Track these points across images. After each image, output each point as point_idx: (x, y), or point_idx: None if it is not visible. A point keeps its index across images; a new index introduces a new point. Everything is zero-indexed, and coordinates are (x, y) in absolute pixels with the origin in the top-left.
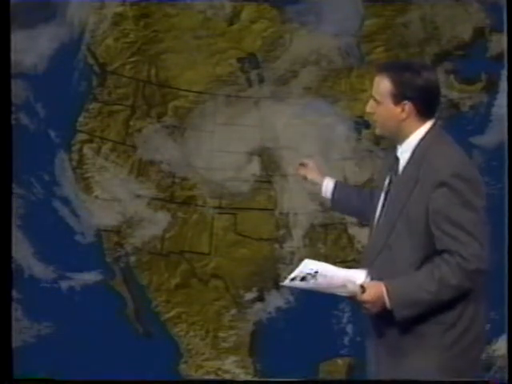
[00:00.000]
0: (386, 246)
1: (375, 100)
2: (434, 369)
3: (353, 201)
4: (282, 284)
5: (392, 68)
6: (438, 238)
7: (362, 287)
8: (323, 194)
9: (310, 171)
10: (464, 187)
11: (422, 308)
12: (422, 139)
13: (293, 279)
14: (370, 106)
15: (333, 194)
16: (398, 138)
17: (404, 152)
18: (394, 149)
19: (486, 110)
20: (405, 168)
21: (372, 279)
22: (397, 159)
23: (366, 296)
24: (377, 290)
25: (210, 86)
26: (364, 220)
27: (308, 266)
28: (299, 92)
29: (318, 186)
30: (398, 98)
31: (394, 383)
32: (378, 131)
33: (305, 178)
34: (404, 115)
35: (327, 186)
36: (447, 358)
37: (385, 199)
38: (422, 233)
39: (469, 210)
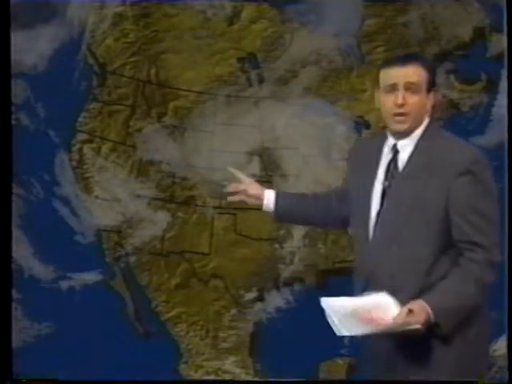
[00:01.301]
0: (394, 240)
1: (409, 90)
2: (455, 368)
3: (300, 208)
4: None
5: (420, 57)
6: (457, 227)
7: (411, 311)
8: (265, 208)
9: (250, 186)
10: (486, 174)
11: (465, 315)
12: (425, 132)
13: (341, 326)
14: (402, 97)
15: (276, 204)
16: (412, 130)
17: (406, 145)
18: (377, 142)
19: (485, 110)
20: (409, 161)
21: (382, 274)
22: (395, 153)
23: (416, 320)
24: (422, 310)
25: (210, 86)
26: (313, 225)
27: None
28: (299, 92)
29: (260, 200)
30: (430, 86)
31: (393, 383)
32: (404, 127)
33: (245, 200)
34: (431, 104)
35: (269, 198)
36: (466, 356)
37: (383, 193)
38: (438, 224)
39: (489, 197)
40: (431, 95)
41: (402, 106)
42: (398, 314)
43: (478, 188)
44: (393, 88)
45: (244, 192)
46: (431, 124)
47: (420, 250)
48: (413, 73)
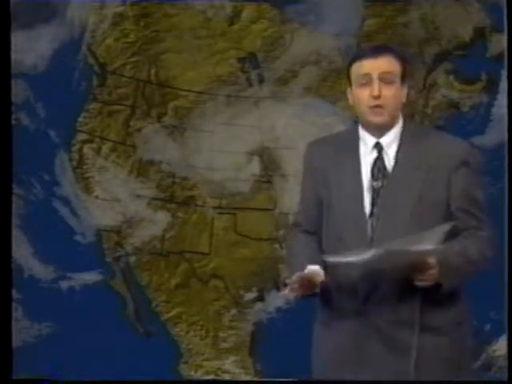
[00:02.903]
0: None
1: (384, 80)
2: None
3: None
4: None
5: (392, 49)
6: (459, 220)
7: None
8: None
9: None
10: (479, 164)
11: (464, 279)
12: (404, 127)
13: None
14: (378, 89)
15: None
16: (391, 125)
17: (390, 142)
18: (345, 142)
19: (485, 109)
20: (398, 159)
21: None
22: (380, 151)
23: (433, 259)
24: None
25: (210, 86)
26: None
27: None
28: (299, 92)
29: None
30: (403, 79)
31: (393, 383)
32: (382, 119)
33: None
34: (405, 97)
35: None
36: (465, 356)
37: (374, 194)
38: (442, 219)
39: (482, 187)
40: (405, 88)
41: (378, 97)
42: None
43: (474, 178)
44: (367, 80)
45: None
46: (407, 119)
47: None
48: (386, 63)
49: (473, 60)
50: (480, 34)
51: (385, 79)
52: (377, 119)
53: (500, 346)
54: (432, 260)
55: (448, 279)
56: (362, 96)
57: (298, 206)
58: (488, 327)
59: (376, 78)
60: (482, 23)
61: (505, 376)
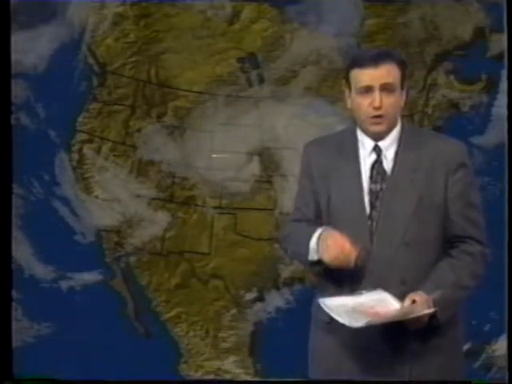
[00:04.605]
0: (402, 244)
1: (385, 90)
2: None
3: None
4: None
5: (391, 54)
6: (455, 223)
7: (414, 301)
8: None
9: None
10: (472, 165)
11: (459, 306)
12: (403, 130)
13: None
14: (379, 100)
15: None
16: (390, 130)
17: (389, 145)
18: (344, 143)
19: (485, 109)
20: (397, 161)
21: (392, 281)
22: (379, 154)
23: (420, 310)
24: (425, 300)
25: (210, 85)
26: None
27: (327, 302)
28: (299, 92)
29: None
30: (402, 83)
31: (393, 383)
32: (382, 128)
33: None
34: (404, 100)
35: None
36: (460, 357)
37: (373, 196)
38: (441, 222)
39: (477, 188)
40: (404, 92)
41: (379, 108)
42: (403, 306)
43: (470, 180)
44: (368, 90)
45: None
46: (405, 121)
47: (429, 252)
48: (387, 73)
49: (473, 60)
50: (480, 34)
51: (386, 89)
52: (376, 128)
53: (500, 346)
54: (419, 311)
55: (445, 313)
56: (362, 105)
57: (294, 205)
58: (488, 327)
59: (377, 89)
60: (481, 23)
61: (505, 376)
